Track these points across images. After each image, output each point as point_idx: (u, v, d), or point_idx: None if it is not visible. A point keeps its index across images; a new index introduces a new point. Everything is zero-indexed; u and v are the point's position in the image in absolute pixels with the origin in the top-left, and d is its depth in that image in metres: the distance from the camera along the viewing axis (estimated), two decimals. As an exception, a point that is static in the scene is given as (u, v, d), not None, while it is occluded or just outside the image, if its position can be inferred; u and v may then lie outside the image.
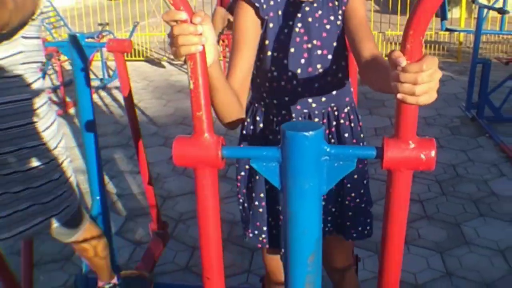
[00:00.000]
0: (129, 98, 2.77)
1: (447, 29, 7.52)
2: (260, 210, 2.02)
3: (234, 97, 1.60)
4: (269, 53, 1.85)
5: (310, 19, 1.82)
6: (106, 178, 4.30)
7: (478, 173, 4.67)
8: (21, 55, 2.01)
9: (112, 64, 8.72)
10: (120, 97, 7.20)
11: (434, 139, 1.04)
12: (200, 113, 1.08)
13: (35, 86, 2.10)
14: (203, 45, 1.10)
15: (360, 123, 2.02)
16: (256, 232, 2.06)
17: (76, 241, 2.42)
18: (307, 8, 1.82)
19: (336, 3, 1.84)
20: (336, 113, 1.94)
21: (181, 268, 3.37)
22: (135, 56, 9.77)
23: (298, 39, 1.83)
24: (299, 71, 1.86)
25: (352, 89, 2.02)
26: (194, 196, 3.70)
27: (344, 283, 2.30)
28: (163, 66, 9.43)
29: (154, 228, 3.27)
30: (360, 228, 2.07)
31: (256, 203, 2.01)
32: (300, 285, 1.12)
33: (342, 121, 1.95)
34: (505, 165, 4.84)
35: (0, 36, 1.88)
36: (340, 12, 1.84)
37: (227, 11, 7.23)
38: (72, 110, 6.49)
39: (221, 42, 7.49)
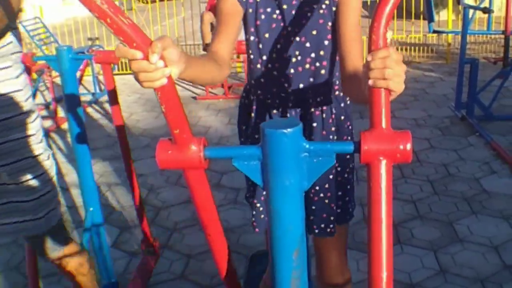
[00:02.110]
0: (116, 109, 2.79)
1: (434, 31, 7.58)
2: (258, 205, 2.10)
3: (214, 69, 1.70)
4: (248, 36, 1.95)
5: (285, 6, 1.87)
6: (100, 191, 4.32)
7: (470, 172, 4.71)
8: (11, 45, 2.05)
9: (103, 78, 8.73)
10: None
11: (409, 131, 1.07)
12: (177, 131, 1.11)
13: (22, 77, 2.12)
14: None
15: (333, 116, 2.01)
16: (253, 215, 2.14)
17: (59, 257, 2.37)
18: None
19: None
20: (311, 100, 1.98)
21: (177, 277, 3.38)
22: (126, 70, 9.79)
23: (274, 25, 1.89)
24: (274, 55, 1.92)
25: (334, 80, 2.01)
26: (188, 205, 3.77)
27: None
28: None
29: (145, 244, 3.31)
30: (322, 225, 2.07)
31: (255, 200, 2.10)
32: (286, 280, 1.14)
33: (312, 109, 1.98)
34: (495, 162, 4.88)
35: None
36: (327, 1, 1.86)
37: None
38: (64, 125, 6.51)
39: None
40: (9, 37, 2.04)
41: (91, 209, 2.78)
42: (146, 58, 1.04)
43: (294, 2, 1.87)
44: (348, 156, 2.09)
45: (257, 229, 2.13)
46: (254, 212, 2.12)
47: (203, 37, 7.79)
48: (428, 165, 4.93)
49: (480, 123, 5.82)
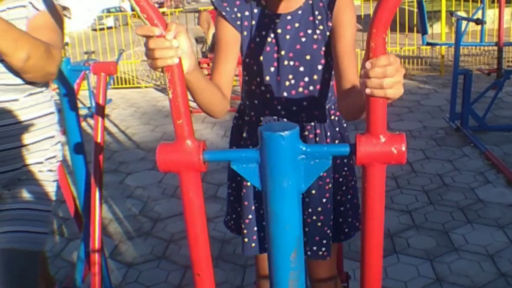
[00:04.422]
0: (101, 120, 2.73)
1: (428, 44, 7.64)
2: (250, 216, 2.08)
3: (217, 94, 1.70)
4: (243, 58, 1.96)
5: (279, 31, 1.89)
6: (96, 203, 4.32)
7: (465, 182, 4.74)
8: None
9: (99, 92, 8.75)
10: (107, 124, 7.25)
11: (404, 134, 1.08)
12: (180, 121, 1.13)
13: (53, 100, 2.19)
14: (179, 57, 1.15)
15: (328, 140, 2.02)
16: (246, 240, 2.11)
17: None
18: (277, 20, 1.89)
19: (319, 17, 1.88)
20: (304, 123, 1.99)
21: (174, 288, 3.40)
22: (122, 84, 9.83)
23: (268, 48, 1.91)
24: (267, 78, 1.94)
25: (327, 103, 2.03)
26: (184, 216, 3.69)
27: None
28: (150, 93, 9.49)
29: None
30: (314, 248, 2.06)
31: (245, 211, 2.08)
32: (284, 282, 1.16)
33: (306, 133, 2.00)
34: (490, 172, 4.91)
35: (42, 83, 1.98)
36: (321, 27, 1.87)
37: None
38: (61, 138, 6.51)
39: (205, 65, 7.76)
40: None
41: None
42: (163, 37, 1.13)
43: (288, 27, 1.89)
44: (345, 175, 2.09)
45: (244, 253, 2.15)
46: (241, 237, 2.12)
47: (207, 39, 8.14)
48: (423, 175, 4.95)
49: (474, 134, 5.86)
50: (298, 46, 1.89)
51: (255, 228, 2.09)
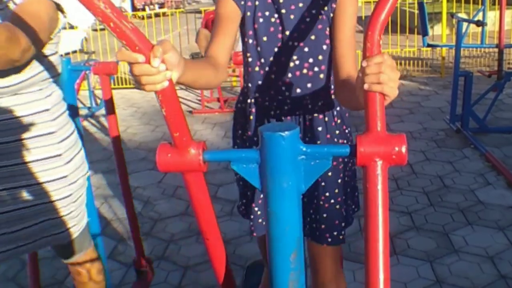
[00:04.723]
0: (113, 119, 2.79)
1: (429, 45, 7.65)
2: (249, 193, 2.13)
3: (211, 73, 1.69)
4: (246, 39, 1.96)
5: (283, 11, 1.89)
6: (97, 203, 4.32)
7: (465, 183, 4.73)
8: (44, 73, 2.07)
9: (99, 92, 8.76)
10: (108, 124, 7.24)
11: (404, 134, 1.09)
12: (177, 134, 1.13)
13: (53, 96, 2.16)
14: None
15: (335, 118, 2.03)
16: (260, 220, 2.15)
17: (74, 263, 2.40)
18: (281, 0, 1.89)
19: None
20: (310, 106, 1.99)
21: (174, 288, 3.39)
22: (122, 84, 9.83)
23: (272, 29, 1.91)
24: (271, 59, 1.94)
25: (330, 85, 2.03)
26: (184, 217, 3.78)
27: None
28: (150, 93, 9.49)
29: (137, 266, 3.28)
30: (335, 233, 2.07)
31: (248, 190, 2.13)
32: (284, 282, 1.16)
33: (316, 114, 2.00)
34: (490, 174, 4.91)
35: (13, 68, 1.92)
36: (326, 8, 1.88)
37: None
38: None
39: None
40: (38, 66, 2.04)
41: (89, 219, 2.78)
42: (148, 61, 1.04)
43: (292, 7, 1.89)
44: (345, 159, 2.11)
45: (254, 233, 2.16)
46: (252, 216, 2.14)
47: (201, 51, 7.95)
48: (424, 177, 4.95)
49: (475, 135, 5.85)
50: (302, 26, 1.89)
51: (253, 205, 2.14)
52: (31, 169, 2.08)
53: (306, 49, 1.92)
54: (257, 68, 1.98)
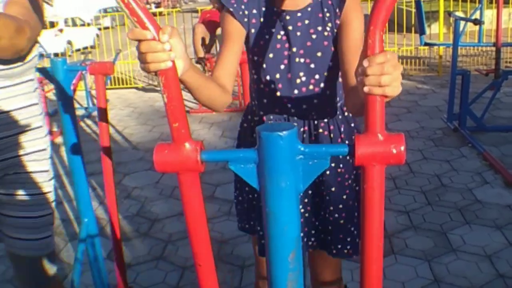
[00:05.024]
0: (104, 120, 2.77)
1: (426, 44, 7.65)
2: (244, 195, 2.12)
3: (216, 89, 1.69)
4: (251, 56, 1.95)
5: (290, 28, 1.88)
6: (94, 204, 4.32)
7: (462, 182, 4.74)
8: (36, 58, 2.12)
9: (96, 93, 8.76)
10: (105, 124, 7.23)
11: (403, 134, 1.08)
12: (176, 125, 1.12)
13: (37, 92, 2.17)
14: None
15: (342, 135, 2.01)
16: (243, 220, 2.16)
17: None
18: (287, 17, 1.88)
19: (328, 14, 1.87)
20: (315, 122, 1.98)
21: (172, 288, 3.39)
22: (119, 84, 9.82)
23: (278, 46, 1.90)
24: (277, 76, 1.92)
25: (339, 100, 2.02)
26: (182, 218, 3.75)
27: None
28: (147, 93, 9.49)
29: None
30: (339, 246, 2.05)
31: (244, 188, 2.12)
32: (282, 283, 1.15)
33: (320, 130, 1.98)
34: (488, 173, 4.91)
35: (15, 59, 1.96)
36: (330, 24, 1.87)
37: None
38: (58, 140, 6.51)
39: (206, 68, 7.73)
40: (36, 50, 2.09)
41: (86, 220, 2.78)
42: (155, 39, 1.10)
43: (299, 24, 1.88)
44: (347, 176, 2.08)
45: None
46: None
47: (195, 50, 7.90)
48: (421, 176, 4.95)
49: (472, 134, 5.86)
50: (309, 43, 1.88)
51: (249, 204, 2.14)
52: (22, 161, 2.10)
53: (312, 66, 1.90)
54: (262, 86, 1.97)
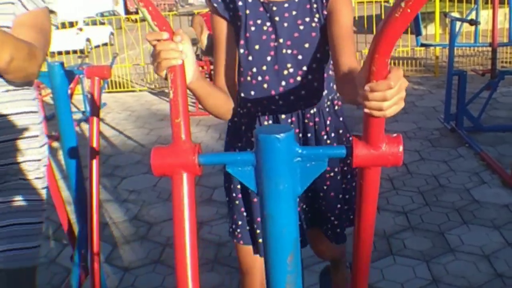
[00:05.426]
0: (96, 123, 2.74)
1: (422, 44, 7.65)
2: (237, 202, 2.10)
3: (222, 96, 1.75)
4: (237, 49, 1.94)
5: (277, 18, 1.87)
6: (91, 208, 4.31)
7: (460, 182, 4.74)
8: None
9: (93, 96, 8.75)
10: (102, 128, 7.23)
11: (401, 136, 1.08)
12: (178, 120, 1.13)
13: (36, 101, 2.16)
14: (183, 60, 1.24)
15: (327, 128, 2.01)
16: (233, 226, 2.14)
17: None
18: (274, 8, 1.87)
19: (315, 5, 1.87)
20: (303, 112, 1.98)
21: (171, 292, 3.38)
22: (116, 88, 9.82)
23: (264, 37, 1.89)
24: (264, 68, 1.91)
25: (329, 93, 2.02)
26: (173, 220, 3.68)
27: (335, 272, 2.47)
28: (144, 97, 9.48)
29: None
30: (324, 227, 2.13)
31: (234, 194, 2.10)
32: (281, 285, 1.15)
33: (306, 121, 1.99)
34: (485, 173, 4.92)
35: (24, 83, 1.98)
36: (318, 15, 1.87)
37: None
38: (55, 144, 6.50)
39: (200, 68, 7.75)
40: None
41: (84, 224, 2.77)
42: (170, 39, 1.25)
43: (286, 15, 1.87)
44: (349, 163, 2.09)
45: (234, 240, 2.17)
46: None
47: (200, 42, 8.12)
48: (419, 176, 4.95)
49: (469, 134, 5.87)
50: (296, 34, 1.88)
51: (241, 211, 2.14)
52: (17, 169, 2.07)
53: (300, 57, 1.90)
54: (249, 78, 1.95)
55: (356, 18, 10.23)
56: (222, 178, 2.22)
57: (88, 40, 20.60)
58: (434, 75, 9.54)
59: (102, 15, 29.00)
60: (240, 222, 2.11)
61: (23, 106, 2.05)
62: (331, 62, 1.90)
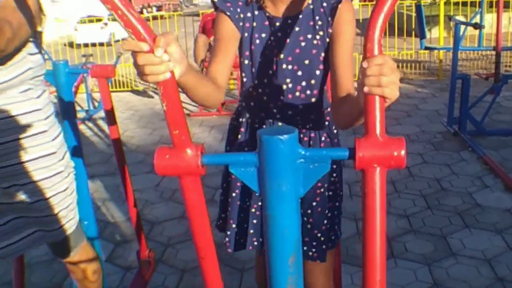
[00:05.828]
0: (113, 121, 2.80)
1: (426, 48, 7.66)
2: (236, 202, 2.11)
3: (209, 87, 1.67)
4: (242, 59, 1.97)
5: (279, 34, 1.90)
6: (94, 207, 4.31)
7: (462, 186, 4.73)
8: (30, 71, 2.07)
9: (96, 95, 8.76)
10: (105, 127, 7.24)
11: (403, 137, 1.08)
12: (176, 132, 1.12)
13: (43, 97, 2.16)
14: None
15: (322, 144, 2.02)
16: (224, 228, 2.18)
17: (69, 261, 2.40)
18: (277, 23, 1.90)
19: (319, 22, 1.88)
20: (299, 127, 1.99)
21: (172, 291, 3.38)
22: (119, 87, 9.83)
23: (267, 52, 1.91)
24: (265, 80, 1.95)
25: (324, 109, 2.03)
26: (182, 221, 3.76)
27: None
28: (148, 96, 9.49)
29: (141, 256, 3.29)
30: (304, 248, 2.04)
31: (233, 194, 2.11)
32: (282, 287, 1.15)
33: (301, 135, 2.00)
34: (488, 177, 4.91)
35: None
36: (321, 32, 1.88)
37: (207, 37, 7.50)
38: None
39: (204, 69, 7.67)
40: (23, 65, 2.05)
41: (86, 222, 2.78)
42: (152, 51, 1.07)
43: (288, 31, 1.89)
44: (333, 182, 2.09)
45: (229, 250, 2.15)
46: (228, 232, 2.12)
47: (195, 58, 7.85)
48: (421, 179, 4.95)
49: (472, 138, 5.86)
50: (297, 50, 1.90)
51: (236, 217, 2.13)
52: (28, 168, 2.09)
53: (299, 73, 1.92)
54: (250, 89, 1.99)
55: (360, 21, 10.22)
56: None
57: (111, 34, 22.12)
58: (437, 79, 9.53)
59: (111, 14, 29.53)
60: (233, 226, 2.12)
61: (26, 107, 2.06)
62: (330, 80, 1.91)
